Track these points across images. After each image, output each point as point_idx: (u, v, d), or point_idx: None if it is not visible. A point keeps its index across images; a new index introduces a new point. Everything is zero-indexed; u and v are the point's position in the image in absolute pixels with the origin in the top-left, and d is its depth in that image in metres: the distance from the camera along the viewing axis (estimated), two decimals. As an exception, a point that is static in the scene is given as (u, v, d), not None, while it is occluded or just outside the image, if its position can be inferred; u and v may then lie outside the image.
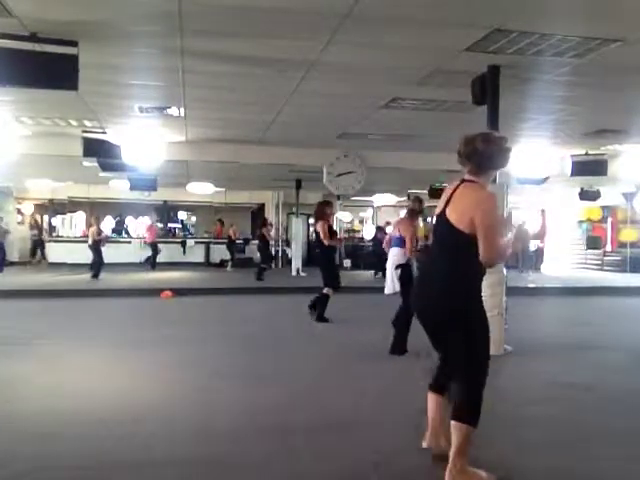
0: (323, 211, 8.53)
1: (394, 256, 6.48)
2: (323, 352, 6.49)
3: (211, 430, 3.87)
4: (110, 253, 16.00)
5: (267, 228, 15.96)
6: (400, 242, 6.45)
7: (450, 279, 3.07)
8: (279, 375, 5.42)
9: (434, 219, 3.35)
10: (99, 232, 14.96)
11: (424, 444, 3.45)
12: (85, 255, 15.45)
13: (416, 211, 6.64)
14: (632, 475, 3.39)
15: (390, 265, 6.53)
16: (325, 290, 8.38)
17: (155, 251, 18.13)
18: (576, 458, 3.54)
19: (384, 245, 7.07)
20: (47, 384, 4.98)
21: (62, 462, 3.32)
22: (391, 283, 6.46)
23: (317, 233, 8.62)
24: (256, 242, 19.31)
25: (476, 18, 5.12)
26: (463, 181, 3.21)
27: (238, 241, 19.99)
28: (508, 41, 5.58)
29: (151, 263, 17.98)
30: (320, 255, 8.68)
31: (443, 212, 3.15)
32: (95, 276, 14.35)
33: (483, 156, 3.14)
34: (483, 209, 3.00)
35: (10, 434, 3.78)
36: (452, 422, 3.08)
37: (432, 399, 3.40)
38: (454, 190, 3.18)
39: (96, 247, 14.74)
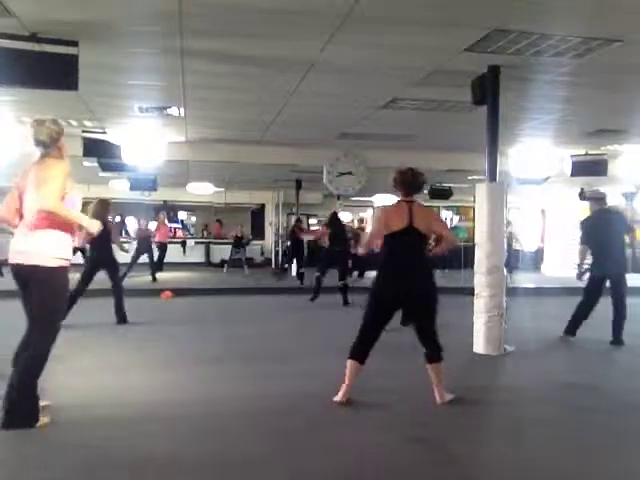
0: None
1: None
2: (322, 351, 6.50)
3: (210, 429, 3.86)
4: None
5: (300, 227, 15.65)
6: None
7: None
8: (279, 375, 5.42)
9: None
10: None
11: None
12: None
13: None
14: (634, 474, 3.39)
15: None
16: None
17: (164, 252, 17.31)
18: (576, 458, 3.54)
19: None
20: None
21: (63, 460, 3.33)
22: None
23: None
24: (259, 242, 19.33)
25: (476, 18, 5.12)
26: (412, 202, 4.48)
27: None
28: (508, 41, 5.59)
29: (158, 265, 17.25)
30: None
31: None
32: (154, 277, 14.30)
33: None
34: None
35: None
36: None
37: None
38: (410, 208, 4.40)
39: (158, 246, 14.99)
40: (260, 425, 3.97)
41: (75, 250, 10.94)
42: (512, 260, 17.72)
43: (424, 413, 4.30)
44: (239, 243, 18.80)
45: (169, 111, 8.93)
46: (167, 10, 5.00)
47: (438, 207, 22.97)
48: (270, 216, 22.07)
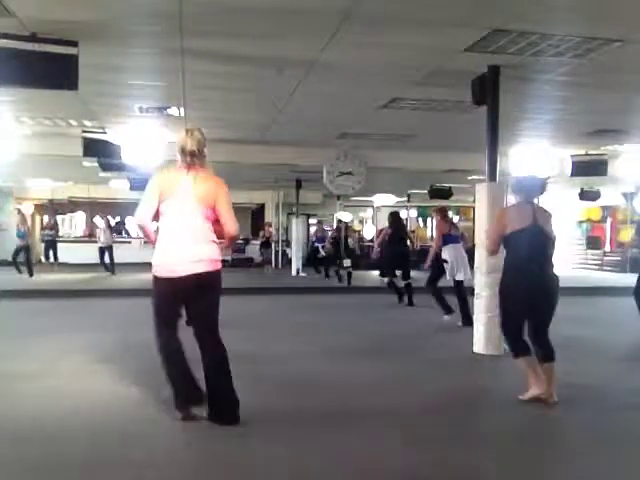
0: None
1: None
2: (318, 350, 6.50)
3: (209, 429, 3.87)
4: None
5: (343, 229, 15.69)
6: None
7: None
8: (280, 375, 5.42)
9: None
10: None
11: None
12: (86, 255, 15.43)
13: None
14: (634, 475, 3.39)
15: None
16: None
17: None
18: (576, 458, 3.54)
19: None
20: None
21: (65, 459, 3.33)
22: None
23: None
24: (257, 243, 19.31)
25: (476, 18, 5.12)
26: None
27: (239, 241, 19.91)
28: (508, 41, 5.59)
29: None
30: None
31: None
32: None
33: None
34: None
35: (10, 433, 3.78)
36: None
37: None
38: None
39: None
40: (260, 425, 3.96)
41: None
42: None
43: (424, 413, 4.30)
44: (267, 243, 18.90)
45: (169, 111, 8.93)
46: (167, 10, 5.00)
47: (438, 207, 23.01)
48: (270, 216, 22.06)
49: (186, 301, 3.89)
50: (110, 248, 15.91)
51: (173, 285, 3.78)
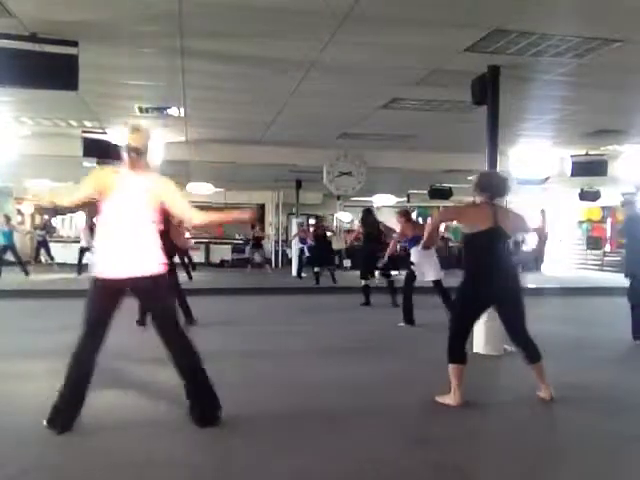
0: None
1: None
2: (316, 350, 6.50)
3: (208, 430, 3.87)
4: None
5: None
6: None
7: None
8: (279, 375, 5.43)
9: None
10: None
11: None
12: (86, 255, 15.39)
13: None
14: (629, 475, 3.39)
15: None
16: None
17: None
18: (576, 458, 3.54)
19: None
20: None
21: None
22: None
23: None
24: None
25: (476, 18, 5.12)
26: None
27: (239, 241, 19.89)
28: (508, 41, 5.59)
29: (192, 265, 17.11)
30: None
31: None
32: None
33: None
34: None
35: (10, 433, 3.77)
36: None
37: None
38: None
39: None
40: (259, 425, 3.96)
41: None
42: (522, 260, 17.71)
43: (423, 414, 4.30)
44: (258, 243, 18.74)
45: (169, 111, 8.93)
46: (167, 10, 5.00)
47: (438, 207, 23.00)
48: (270, 216, 22.06)
49: (116, 304, 3.70)
50: (90, 250, 15.86)
51: (112, 287, 3.64)
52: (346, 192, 13.25)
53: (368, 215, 10.48)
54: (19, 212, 19.45)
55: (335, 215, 22.84)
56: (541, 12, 4.98)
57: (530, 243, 16.87)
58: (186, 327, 7.47)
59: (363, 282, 10.18)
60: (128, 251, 3.65)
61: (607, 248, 19.16)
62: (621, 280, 7.59)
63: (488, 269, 4.34)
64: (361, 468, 3.30)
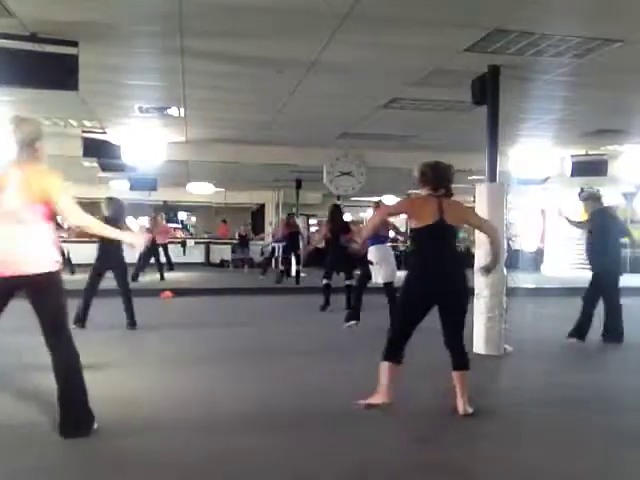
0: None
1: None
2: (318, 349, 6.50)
3: (209, 429, 3.87)
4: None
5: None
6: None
7: None
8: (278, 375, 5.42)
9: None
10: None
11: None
12: (86, 255, 15.37)
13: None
14: (629, 475, 3.39)
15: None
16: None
17: (167, 251, 17.08)
18: (576, 458, 3.54)
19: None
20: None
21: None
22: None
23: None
24: (259, 242, 19.21)
25: (476, 18, 5.12)
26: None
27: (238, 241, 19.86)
28: (508, 41, 5.59)
29: (168, 265, 16.57)
30: None
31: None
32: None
33: None
34: None
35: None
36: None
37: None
38: None
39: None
40: (259, 425, 3.96)
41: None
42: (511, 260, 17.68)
43: (423, 414, 4.29)
44: (244, 242, 18.70)
45: (169, 111, 8.93)
46: (167, 10, 5.00)
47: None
48: (270, 216, 22.05)
49: (3, 304, 3.55)
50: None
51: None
52: (346, 192, 13.25)
53: (336, 212, 9.64)
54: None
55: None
56: (541, 12, 4.99)
57: (522, 242, 16.92)
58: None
59: (325, 281, 9.52)
60: (13, 249, 3.45)
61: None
62: (621, 280, 7.57)
63: (433, 266, 4.09)
64: (361, 468, 3.30)
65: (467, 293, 4.24)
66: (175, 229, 22.37)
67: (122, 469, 3.23)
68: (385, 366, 4.19)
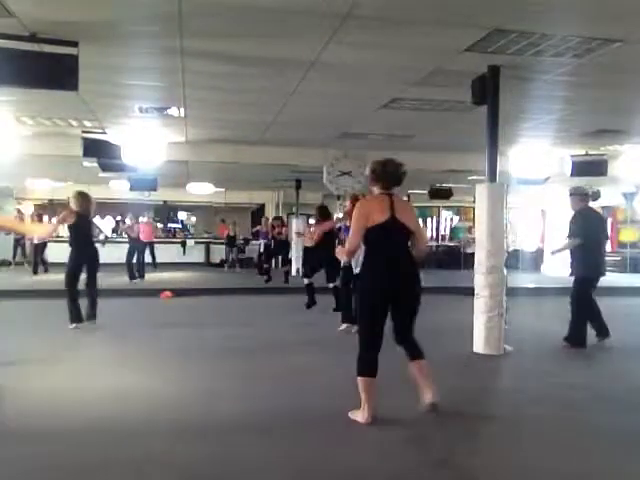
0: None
1: None
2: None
3: (208, 429, 3.87)
4: (110, 253, 15.87)
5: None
6: None
7: None
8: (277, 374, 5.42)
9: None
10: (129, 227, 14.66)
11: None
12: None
13: None
14: (629, 475, 3.39)
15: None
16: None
17: (152, 250, 17.27)
18: (576, 458, 3.54)
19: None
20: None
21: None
22: None
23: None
24: (259, 242, 19.15)
25: (476, 18, 5.12)
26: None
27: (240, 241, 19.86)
28: (508, 41, 5.59)
29: (153, 263, 17.05)
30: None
31: None
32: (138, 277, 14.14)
33: None
34: None
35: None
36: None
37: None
38: None
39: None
40: (258, 425, 3.96)
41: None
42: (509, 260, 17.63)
43: (424, 413, 4.29)
44: (232, 242, 18.65)
45: (169, 111, 8.93)
46: (167, 10, 5.00)
47: (438, 207, 23.01)
48: (270, 216, 22.05)
49: None
50: (45, 245, 15.82)
51: None
52: (346, 192, 13.25)
53: (324, 213, 9.40)
54: (19, 212, 19.41)
55: (335, 215, 22.79)
56: (541, 12, 4.99)
57: (522, 242, 16.89)
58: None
59: (306, 281, 9.44)
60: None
61: (607, 248, 19.13)
62: (621, 280, 7.57)
63: (385, 265, 4.00)
64: (361, 468, 3.30)
65: (420, 290, 4.12)
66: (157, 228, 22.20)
67: (121, 469, 3.24)
68: (361, 381, 4.01)
